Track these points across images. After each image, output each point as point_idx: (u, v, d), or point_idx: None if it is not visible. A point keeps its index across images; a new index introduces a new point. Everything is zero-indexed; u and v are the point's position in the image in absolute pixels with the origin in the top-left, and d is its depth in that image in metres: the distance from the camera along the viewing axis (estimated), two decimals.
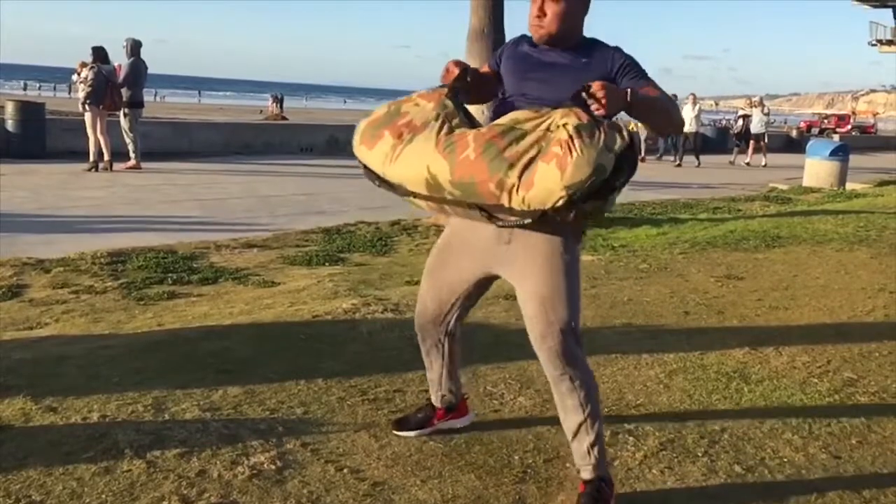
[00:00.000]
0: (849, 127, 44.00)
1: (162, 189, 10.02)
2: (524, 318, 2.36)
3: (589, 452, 2.39)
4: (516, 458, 2.72)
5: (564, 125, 2.10)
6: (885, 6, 38.29)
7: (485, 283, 2.58)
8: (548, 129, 2.14)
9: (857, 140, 29.61)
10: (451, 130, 2.25)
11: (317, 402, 3.08)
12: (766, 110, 20.02)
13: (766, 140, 19.48)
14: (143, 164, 11.70)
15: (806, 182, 13.87)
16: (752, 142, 19.30)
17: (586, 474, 2.41)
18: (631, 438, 2.90)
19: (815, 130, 39.41)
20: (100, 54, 11.50)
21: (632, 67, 2.33)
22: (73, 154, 12.19)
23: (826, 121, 46.66)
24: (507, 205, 2.14)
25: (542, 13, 2.35)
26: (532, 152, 2.11)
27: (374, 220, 8.10)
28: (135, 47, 11.75)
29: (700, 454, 2.81)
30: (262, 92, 74.72)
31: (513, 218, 2.18)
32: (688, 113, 18.13)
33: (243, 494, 2.40)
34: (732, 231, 7.65)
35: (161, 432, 2.76)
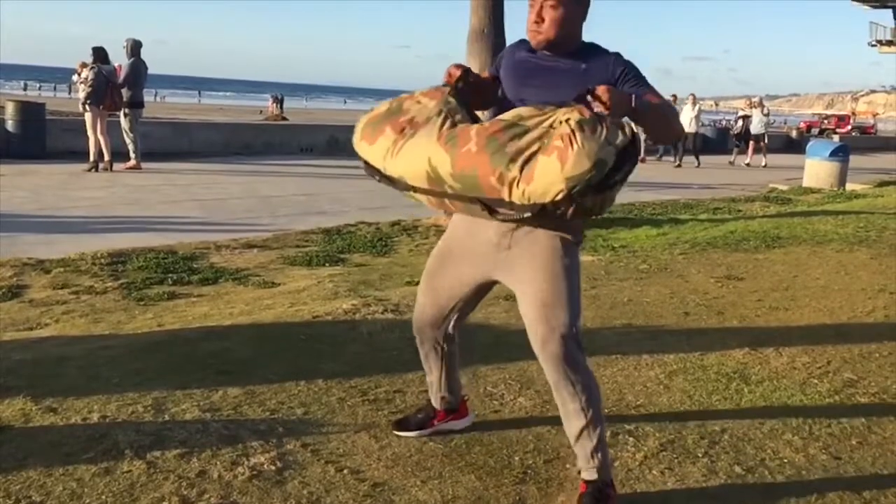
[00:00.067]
0: (849, 127, 44.01)
1: (162, 189, 10.02)
2: (525, 323, 2.36)
3: (592, 456, 2.39)
4: (516, 458, 2.72)
5: (567, 120, 2.10)
6: (885, 6, 38.30)
7: (484, 289, 2.58)
8: (551, 126, 2.13)
9: (856, 140, 29.59)
10: (453, 125, 2.25)
11: (317, 403, 3.08)
12: (765, 111, 20.02)
13: (765, 140, 19.47)
14: (144, 165, 11.70)
15: (806, 183, 13.87)
16: (751, 142, 19.30)
17: (588, 475, 2.41)
18: (631, 439, 2.90)
19: (814, 131, 39.40)
20: (100, 55, 11.51)
21: (632, 74, 2.32)
22: (73, 154, 12.19)
23: (826, 121, 46.67)
24: (507, 199, 2.14)
25: (540, 19, 2.34)
26: (534, 147, 2.11)
27: (374, 221, 8.10)
28: (135, 48, 11.75)
29: (700, 455, 2.81)
30: (262, 92, 74.75)
31: (513, 212, 2.18)
32: (687, 113, 18.14)
33: (243, 495, 2.40)
34: (732, 232, 7.65)
35: (161, 433, 2.76)
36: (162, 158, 12.66)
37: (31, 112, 13.09)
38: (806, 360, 3.89)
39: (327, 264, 6.14)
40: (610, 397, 3.25)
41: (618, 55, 2.36)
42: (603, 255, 6.38)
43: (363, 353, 3.69)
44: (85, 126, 11.51)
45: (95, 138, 11.30)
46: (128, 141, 11.67)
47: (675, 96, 19.90)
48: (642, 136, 2.27)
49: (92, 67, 11.38)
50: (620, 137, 2.09)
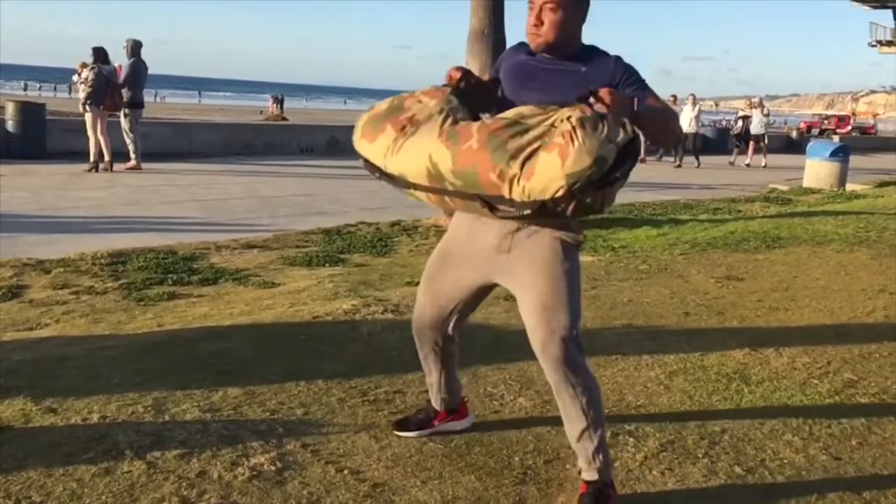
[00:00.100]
0: (849, 128, 44.00)
1: (162, 189, 10.03)
2: (526, 326, 2.36)
3: (593, 457, 2.39)
4: (516, 459, 2.72)
5: (568, 118, 2.10)
6: (885, 7, 38.29)
7: (484, 292, 2.58)
8: (552, 124, 2.13)
9: (857, 141, 29.59)
10: (455, 123, 2.25)
11: (317, 403, 3.08)
12: (765, 111, 20.01)
13: (765, 141, 19.47)
14: (144, 165, 11.70)
15: (806, 183, 13.87)
16: (751, 143, 19.30)
17: (588, 476, 2.42)
18: (631, 440, 2.90)
19: (815, 131, 39.41)
20: (100, 55, 11.51)
21: (633, 78, 2.32)
22: (73, 154, 12.20)
23: (826, 122, 46.66)
24: (507, 196, 2.14)
25: (539, 21, 2.34)
26: (535, 145, 2.11)
27: (374, 221, 8.10)
28: (135, 48, 11.76)
29: (700, 455, 2.81)
30: (262, 92, 74.76)
31: (513, 209, 2.17)
32: (687, 114, 18.14)
33: (243, 495, 2.40)
34: (732, 232, 7.65)
35: (161, 433, 2.75)
36: (162, 159, 12.66)
37: (31, 112, 13.10)
38: (806, 360, 3.89)
39: (327, 264, 6.14)
40: (610, 398, 3.25)
41: (618, 58, 2.36)
42: (603, 256, 6.38)
43: (363, 354, 3.69)
44: (85, 126, 11.52)
45: (96, 138, 11.31)
46: (128, 141, 11.67)
47: (674, 97, 19.93)
48: (642, 137, 2.27)
49: (92, 68, 11.38)
50: (621, 135, 2.09)
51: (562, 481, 2.59)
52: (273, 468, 2.56)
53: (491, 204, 2.20)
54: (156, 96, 50.97)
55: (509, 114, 2.22)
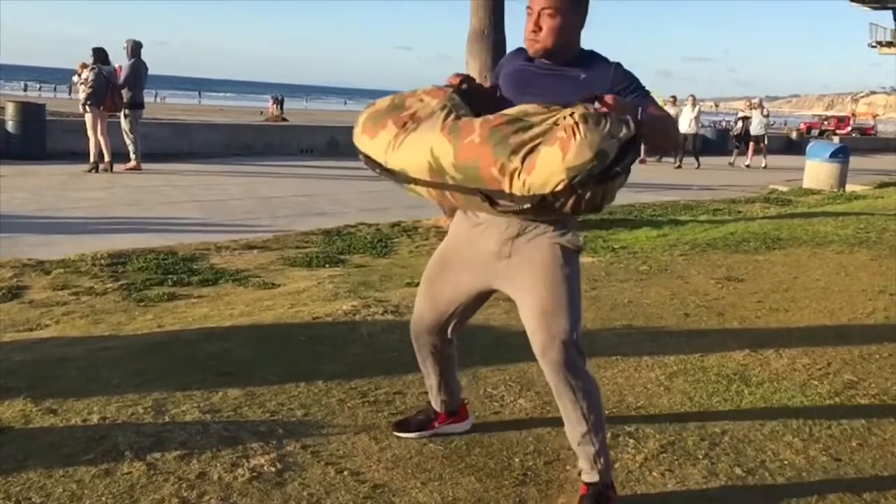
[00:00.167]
0: (849, 129, 43.99)
1: (162, 190, 10.03)
2: (526, 330, 2.36)
3: (595, 461, 2.39)
4: (517, 460, 2.72)
5: (571, 114, 2.09)
6: (885, 8, 38.29)
7: (484, 297, 2.58)
8: (555, 122, 2.12)
9: (856, 142, 29.61)
10: (457, 118, 2.25)
11: (317, 405, 3.08)
12: (765, 112, 20.02)
13: (765, 142, 19.48)
14: (144, 166, 11.71)
15: (806, 184, 13.88)
16: (751, 143, 19.31)
17: (589, 478, 2.42)
18: (631, 441, 2.90)
19: (814, 132, 39.41)
20: (100, 55, 11.52)
21: (634, 86, 2.30)
22: (73, 155, 12.20)
23: (826, 122, 46.65)
24: (507, 190, 2.13)
25: (537, 27, 2.32)
26: (537, 140, 2.10)
27: (374, 222, 8.10)
28: (135, 48, 11.76)
29: (700, 456, 2.81)
30: (262, 93, 74.77)
31: (513, 204, 2.16)
32: (687, 114, 18.14)
33: (243, 497, 2.40)
34: (733, 233, 7.65)
35: (161, 434, 2.75)
36: (162, 159, 12.67)
37: (31, 113, 13.10)
38: (806, 361, 3.89)
39: (327, 265, 6.14)
40: (610, 399, 3.25)
41: (618, 65, 2.34)
42: (603, 257, 6.38)
43: (363, 355, 3.69)
44: (85, 127, 11.52)
45: (96, 139, 11.31)
46: (128, 142, 11.67)
47: (674, 97, 19.94)
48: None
49: (92, 68, 11.39)
50: (624, 132, 2.08)
51: (562, 483, 2.59)
52: (273, 469, 2.56)
53: (491, 198, 2.18)
54: (156, 97, 50.97)
55: (513, 111, 2.21)
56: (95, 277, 5.51)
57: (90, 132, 11.36)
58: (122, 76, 11.61)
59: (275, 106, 37.97)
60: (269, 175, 12.20)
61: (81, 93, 11.70)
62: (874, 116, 62.48)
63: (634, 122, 2.14)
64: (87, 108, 11.36)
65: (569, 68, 2.35)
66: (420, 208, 8.40)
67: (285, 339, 3.86)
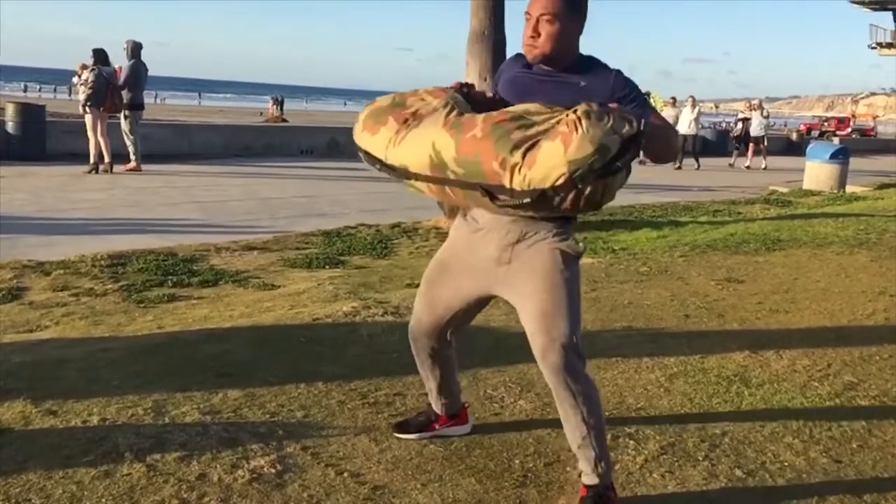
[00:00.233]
0: (849, 130, 43.97)
1: (162, 191, 10.03)
2: (527, 333, 2.36)
3: (595, 464, 2.38)
4: (517, 461, 2.72)
5: (574, 111, 2.08)
6: (885, 9, 38.30)
7: (482, 303, 2.57)
8: (557, 122, 2.12)
9: (857, 143, 29.60)
10: (459, 115, 2.25)
11: (317, 406, 3.08)
12: (765, 113, 20.02)
13: (765, 143, 19.48)
14: (144, 167, 11.71)
15: (806, 185, 13.88)
16: (751, 145, 19.31)
17: (589, 480, 2.41)
18: (631, 442, 2.90)
19: (815, 133, 39.40)
20: (100, 56, 11.52)
21: (634, 94, 2.29)
22: (73, 156, 12.20)
23: (826, 124, 46.63)
24: (508, 185, 2.12)
25: (536, 33, 2.32)
26: (539, 136, 2.10)
27: (374, 223, 8.10)
28: (135, 49, 11.77)
29: (701, 458, 2.81)
30: (262, 94, 74.76)
31: (512, 199, 2.15)
32: (687, 115, 18.14)
33: (243, 498, 2.40)
34: (733, 234, 7.65)
35: (161, 435, 2.75)
36: (162, 160, 12.67)
37: (31, 114, 13.10)
38: (806, 362, 3.89)
39: (327, 266, 6.14)
40: (610, 400, 3.25)
41: (618, 73, 2.33)
42: (603, 258, 6.38)
43: (363, 356, 3.69)
44: (85, 128, 11.53)
45: (96, 140, 11.31)
46: (128, 143, 11.67)
47: (674, 98, 19.95)
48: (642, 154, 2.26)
49: (92, 69, 11.39)
50: (626, 128, 2.07)
51: (562, 484, 2.58)
52: (273, 471, 2.56)
53: (491, 193, 2.17)
54: (156, 98, 50.95)
55: (515, 109, 2.20)
56: (95, 279, 5.51)
57: (90, 133, 11.36)
58: (122, 77, 11.62)
59: (275, 107, 37.97)
60: (269, 176, 12.20)
61: (81, 94, 11.71)
62: (874, 118, 62.45)
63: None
64: (87, 109, 11.36)
65: (568, 75, 2.34)
66: (420, 209, 8.41)
67: (285, 341, 3.86)
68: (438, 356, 2.66)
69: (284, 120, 29.20)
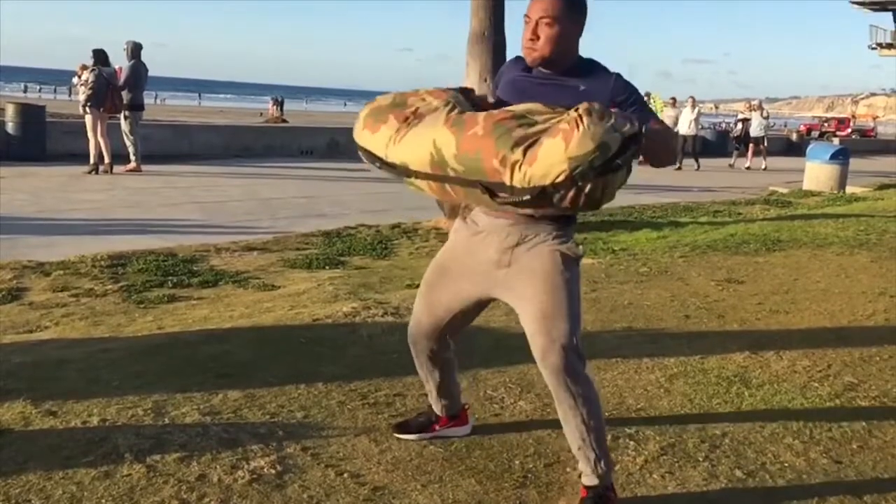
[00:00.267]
0: (849, 130, 43.95)
1: (162, 192, 10.03)
2: (527, 335, 2.36)
3: (595, 465, 2.38)
4: (517, 462, 2.72)
5: (576, 109, 2.08)
6: (886, 10, 38.29)
7: (482, 305, 2.57)
8: (559, 121, 2.12)
9: (857, 143, 29.60)
10: (461, 113, 2.25)
11: (317, 407, 3.08)
12: (765, 114, 20.03)
13: (765, 143, 19.48)
14: (144, 167, 11.71)
15: (806, 185, 13.88)
16: (751, 145, 19.31)
17: (588, 481, 2.41)
18: (631, 443, 2.90)
19: (815, 134, 39.39)
20: (100, 57, 11.52)
21: (634, 98, 2.29)
22: (73, 157, 12.20)
23: (826, 124, 46.62)
24: (508, 182, 2.12)
25: (535, 36, 2.31)
26: (540, 135, 2.10)
27: (374, 224, 8.10)
28: (135, 50, 11.77)
29: (701, 459, 2.81)
30: (262, 94, 74.71)
31: (512, 196, 2.15)
32: (687, 116, 18.14)
33: (243, 499, 2.40)
34: (733, 235, 7.64)
35: (161, 436, 2.75)
36: (162, 161, 12.66)
37: (31, 114, 13.10)
38: (806, 363, 3.89)
39: (327, 267, 6.14)
40: (610, 401, 3.25)
41: (618, 76, 2.33)
42: (603, 258, 6.38)
43: (363, 357, 3.69)
44: (85, 128, 11.53)
45: (96, 141, 11.31)
46: (128, 143, 11.68)
47: (674, 99, 19.95)
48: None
49: (92, 70, 11.39)
50: (627, 127, 2.07)
51: (562, 485, 2.58)
52: (273, 471, 2.56)
53: (491, 191, 2.17)
54: (156, 98, 50.93)
55: (517, 108, 2.20)
56: (95, 279, 5.50)
57: (90, 134, 11.37)
58: (122, 78, 11.62)
59: (275, 107, 37.98)
60: (269, 177, 12.20)
61: (81, 94, 11.71)
62: (874, 118, 62.43)
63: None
64: (87, 109, 11.36)
65: (568, 78, 2.33)
66: (420, 210, 8.41)
67: (285, 341, 3.86)
68: (438, 358, 2.66)
69: (284, 120, 29.20)
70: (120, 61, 11.83)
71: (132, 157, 11.66)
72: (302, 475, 2.55)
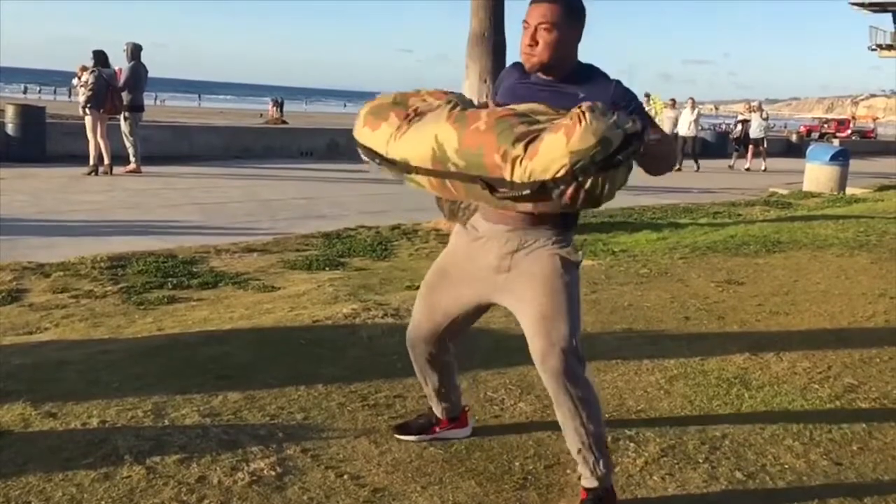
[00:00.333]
0: (849, 131, 43.94)
1: (162, 193, 10.02)
2: (526, 337, 2.36)
3: (594, 467, 2.38)
4: (517, 464, 2.72)
5: (579, 107, 2.08)
6: (885, 11, 38.31)
7: (482, 310, 2.58)
8: (561, 119, 2.11)
9: (857, 145, 29.60)
10: (463, 110, 2.25)
11: (317, 408, 3.08)
12: (764, 115, 20.03)
13: (765, 145, 19.48)
14: (144, 168, 11.70)
15: (806, 187, 13.87)
16: (751, 146, 19.31)
17: (588, 483, 2.41)
18: (632, 445, 2.90)
19: (815, 135, 39.39)
20: (100, 58, 11.52)
21: (633, 105, 2.28)
22: (73, 158, 12.19)
23: (826, 125, 46.59)
24: (508, 178, 2.11)
25: (534, 42, 2.31)
26: (542, 131, 2.10)
27: (374, 225, 8.10)
28: (135, 51, 11.77)
29: (701, 460, 2.81)
30: (262, 95, 74.68)
31: (512, 191, 2.14)
32: (686, 117, 18.14)
33: (243, 501, 2.39)
34: (733, 236, 7.65)
35: (161, 438, 2.75)
36: (162, 162, 12.65)
37: (31, 115, 13.10)
38: (806, 364, 3.88)
39: (327, 268, 6.14)
40: (610, 402, 3.25)
41: (618, 83, 2.33)
42: (603, 260, 6.38)
43: (363, 358, 3.69)
44: (85, 129, 11.52)
45: (95, 142, 11.31)
46: (128, 144, 11.67)
47: (673, 100, 19.95)
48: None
49: (92, 71, 11.39)
50: (630, 124, 2.07)
51: (562, 487, 2.58)
52: (273, 473, 2.56)
53: (491, 186, 2.16)
54: (156, 99, 50.90)
55: (521, 107, 2.20)
56: (95, 280, 5.50)
57: (90, 135, 11.36)
58: (121, 79, 11.62)
59: (275, 108, 37.99)
60: (269, 178, 12.19)
61: (81, 95, 11.70)
62: (874, 119, 62.39)
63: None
64: (87, 110, 11.36)
65: (567, 85, 2.33)
66: (420, 211, 8.40)
67: (285, 343, 3.86)
68: (437, 362, 2.66)
69: (284, 121, 29.20)
70: (120, 62, 11.83)
71: (132, 159, 11.66)
72: (302, 477, 2.55)
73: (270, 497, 2.42)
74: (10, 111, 12.97)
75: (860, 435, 3.10)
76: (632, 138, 2.06)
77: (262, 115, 37.82)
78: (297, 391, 3.22)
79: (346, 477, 2.56)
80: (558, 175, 2.05)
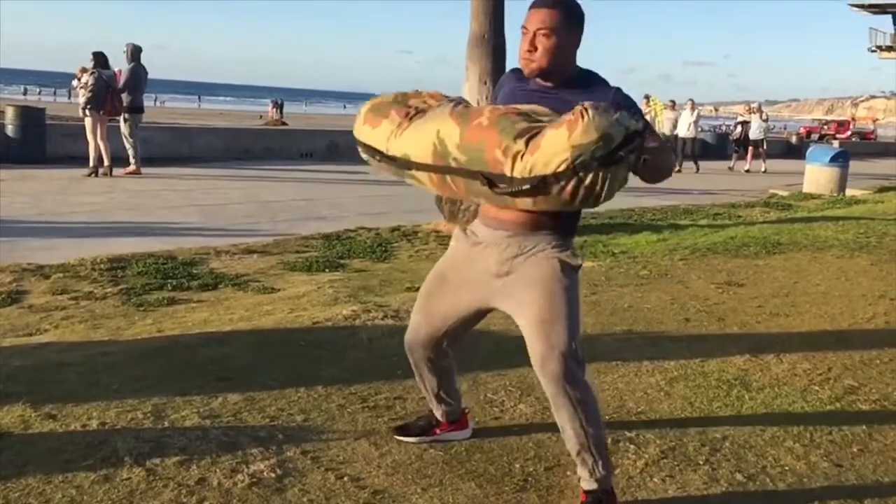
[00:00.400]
0: (848, 133, 43.93)
1: (162, 194, 10.02)
2: (526, 342, 2.35)
3: (593, 469, 2.38)
4: (517, 466, 2.72)
5: (581, 104, 2.08)
6: (885, 12, 38.34)
7: (481, 314, 2.58)
8: (563, 116, 2.12)
9: (856, 146, 29.59)
10: (466, 107, 2.25)
11: (317, 410, 3.08)
12: (764, 116, 20.03)
13: (765, 146, 19.49)
14: (143, 170, 11.70)
15: (806, 188, 13.87)
16: (751, 148, 19.31)
17: (588, 486, 2.41)
18: (632, 446, 2.89)
19: (814, 136, 39.39)
20: (100, 59, 11.52)
21: (635, 113, 2.26)
22: (72, 159, 12.19)
23: (826, 127, 46.59)
24: (509, 173, 2.11)
25: (532, 47, 2.31)
26: (543, 128, 2.10)
27: (374, 226, 8.09)
28: (135, 52, 11.76)
29: (701, 462, 2.80)
30: (262, 97, 74.69)
31: (512, 186, 2.14)
32: (686, 118, 18.15)
33: (243, 503, 2.39)
34: (733, 237, 7.65)
35: (161, 440, 2.75)
36: (162, 163, 12.65)
37: (31, 117, 13.09)
38: (807, 366, 3.88)
39: (327, 270, 6.13)
40: (610, 404, 3.25)
41: (618, 90, 2.32)
42: (603, 261, 6.37)
43: (363, 360, 3.69)
44: (85, 131, 11.52)
45: (95, 143, 11.31)
46: (128, 146, 11.67)
47: (673, 102, 19.96)
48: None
49: (92, 72, 11.38)
50: (632, 123, 2.07)
51: (562, 488, 2.58)
52: (273, 475, 2.55)
53: (492, 181, 2.16)
54: (156, 101, 50.88)
55: (524, 107, 2.21)
56: (95, 282, 5.50)
57: (90, 136, 11.36)
58: (121, 80, 11.62)
59: (274, 110, 37.98)
60: (269, 179, 12.19)
61: (81, 97, 11.70)
62: (874, 121, 62.39)
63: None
64: (87, 112, 11.35)
65: (567, 91, 2.32)
66: (420, 213, 8.40)
67: (285, 344, 3.86)
68: (436, 366, 2.66)
69: (284, 123, 29.20)
70: (120, 64, 11.83)
71: (132, 160, 11.66)
72: (302, 479, 2.55)
73: (270, 499, 2.42)
74: (9, 112, 12.98)
75: (860, 437, 3.10)
76: (633, 135, 2.06)
77: (261, 116, 37.82)
78: (297, 393, 3.22)
79: (346, 479, 2.56)
80: (559, 170, 2.05)
